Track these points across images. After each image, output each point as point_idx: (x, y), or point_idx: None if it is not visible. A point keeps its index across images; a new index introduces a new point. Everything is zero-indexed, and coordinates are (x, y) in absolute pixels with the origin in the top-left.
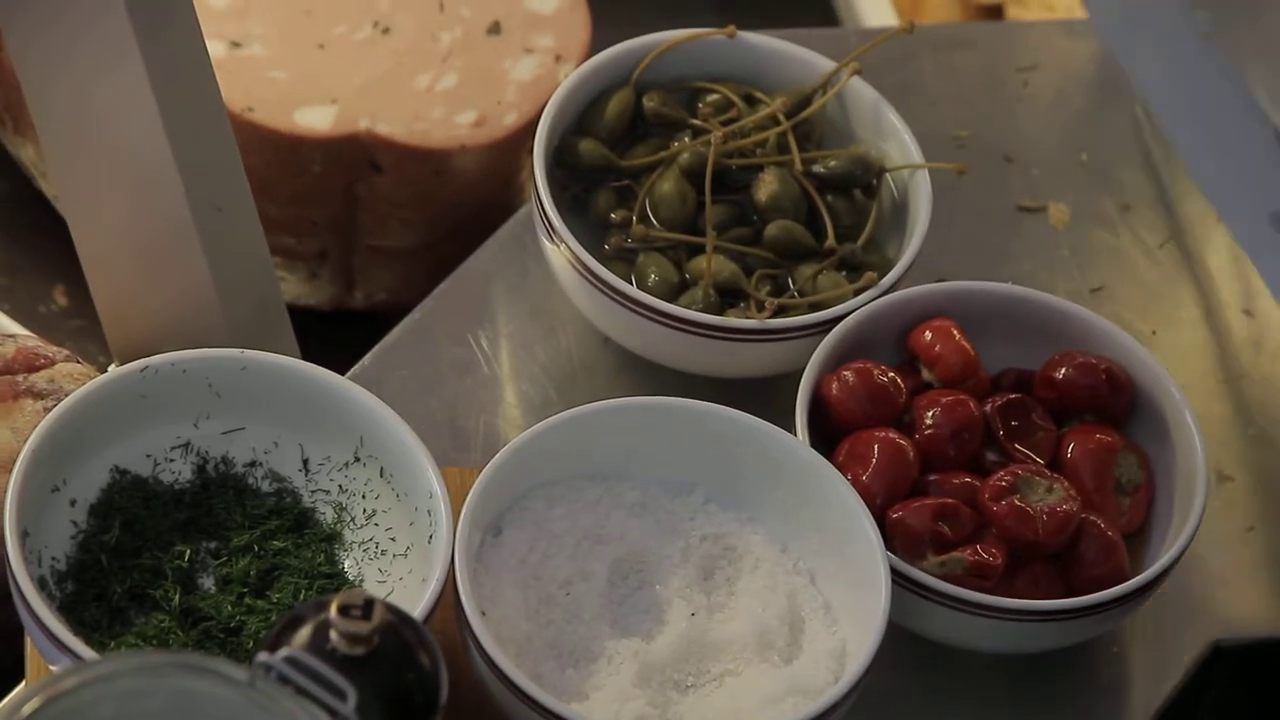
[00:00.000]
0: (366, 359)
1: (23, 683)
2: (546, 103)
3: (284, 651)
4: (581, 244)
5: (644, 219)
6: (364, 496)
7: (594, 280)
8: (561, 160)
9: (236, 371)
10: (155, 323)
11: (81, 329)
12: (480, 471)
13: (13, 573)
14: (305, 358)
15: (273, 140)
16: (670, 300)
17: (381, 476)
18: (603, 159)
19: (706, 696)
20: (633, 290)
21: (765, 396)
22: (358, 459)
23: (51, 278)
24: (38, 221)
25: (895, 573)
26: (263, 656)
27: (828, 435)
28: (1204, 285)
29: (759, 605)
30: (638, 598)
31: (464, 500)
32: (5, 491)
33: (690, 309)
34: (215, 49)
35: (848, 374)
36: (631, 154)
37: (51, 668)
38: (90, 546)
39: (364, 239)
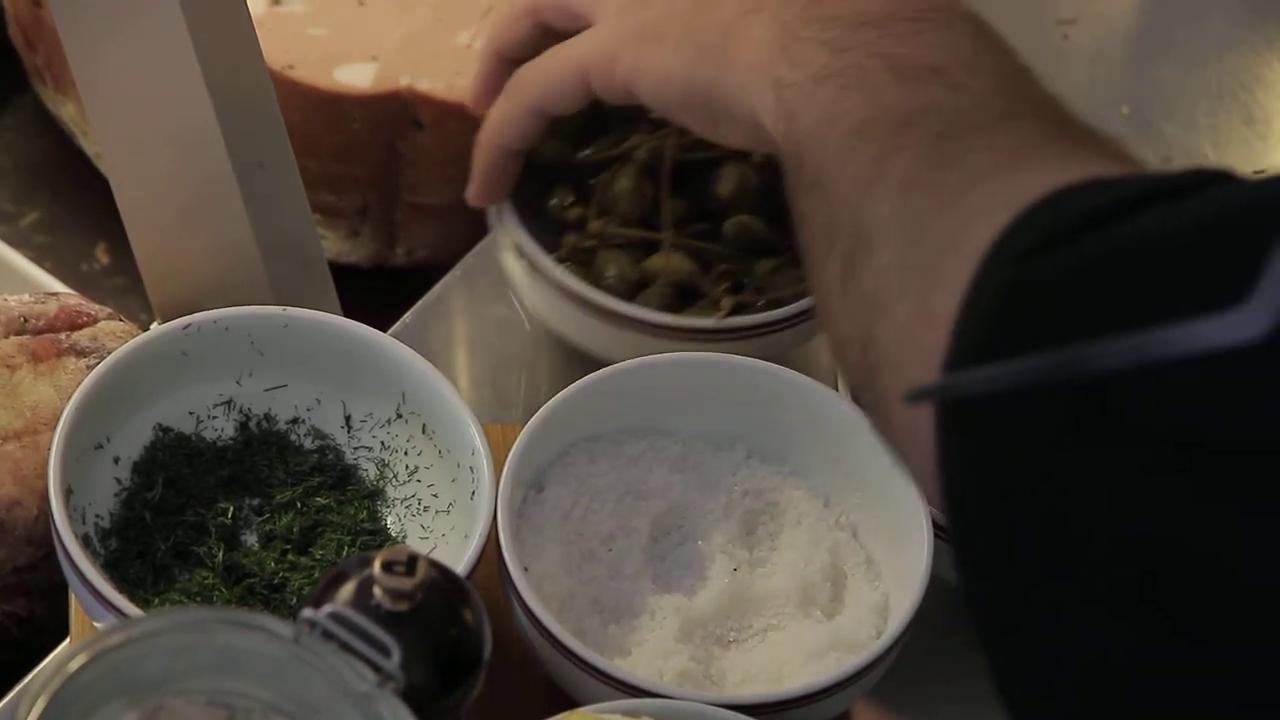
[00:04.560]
0: (408, 316)
1: (67, 640)
2: None
3: (328, 607)
4: (538, 243)
5: (601, 216)
6: (406, 453)
7: (548, 279)
8: None
9: (279, 329)
10: (197, 280)
11: (123, 287)
12: (522, 428)
13: (57, 530)
14: (347, 315)
15: (313, 97)
16: (628, 299)
17: (424, 433)
18: (559, 156)
19: (749, 651)
20: (585, 289)
21: (806, 352)
22: (400, 416)
23: (93, 236)
24: (79, 179)
25: (938, 527)
26: (307, 612)
27: None
28: None
29: (801, 560)
30: (680, 553)
31: (506, 457)
32: (49, 449)
33: (645, 308)
34: (255, 6)
35: None
36: (590, 148)
37: (96, 625)
38: (134, 504)
39: (405, 195)
